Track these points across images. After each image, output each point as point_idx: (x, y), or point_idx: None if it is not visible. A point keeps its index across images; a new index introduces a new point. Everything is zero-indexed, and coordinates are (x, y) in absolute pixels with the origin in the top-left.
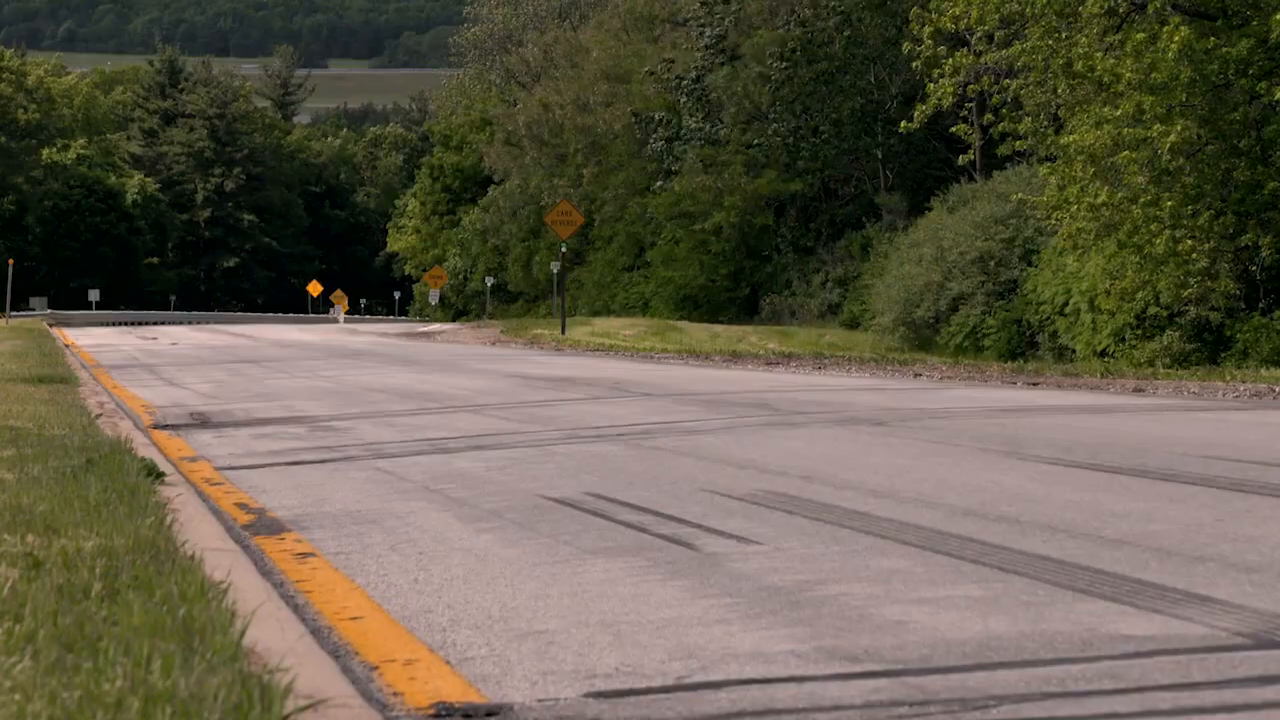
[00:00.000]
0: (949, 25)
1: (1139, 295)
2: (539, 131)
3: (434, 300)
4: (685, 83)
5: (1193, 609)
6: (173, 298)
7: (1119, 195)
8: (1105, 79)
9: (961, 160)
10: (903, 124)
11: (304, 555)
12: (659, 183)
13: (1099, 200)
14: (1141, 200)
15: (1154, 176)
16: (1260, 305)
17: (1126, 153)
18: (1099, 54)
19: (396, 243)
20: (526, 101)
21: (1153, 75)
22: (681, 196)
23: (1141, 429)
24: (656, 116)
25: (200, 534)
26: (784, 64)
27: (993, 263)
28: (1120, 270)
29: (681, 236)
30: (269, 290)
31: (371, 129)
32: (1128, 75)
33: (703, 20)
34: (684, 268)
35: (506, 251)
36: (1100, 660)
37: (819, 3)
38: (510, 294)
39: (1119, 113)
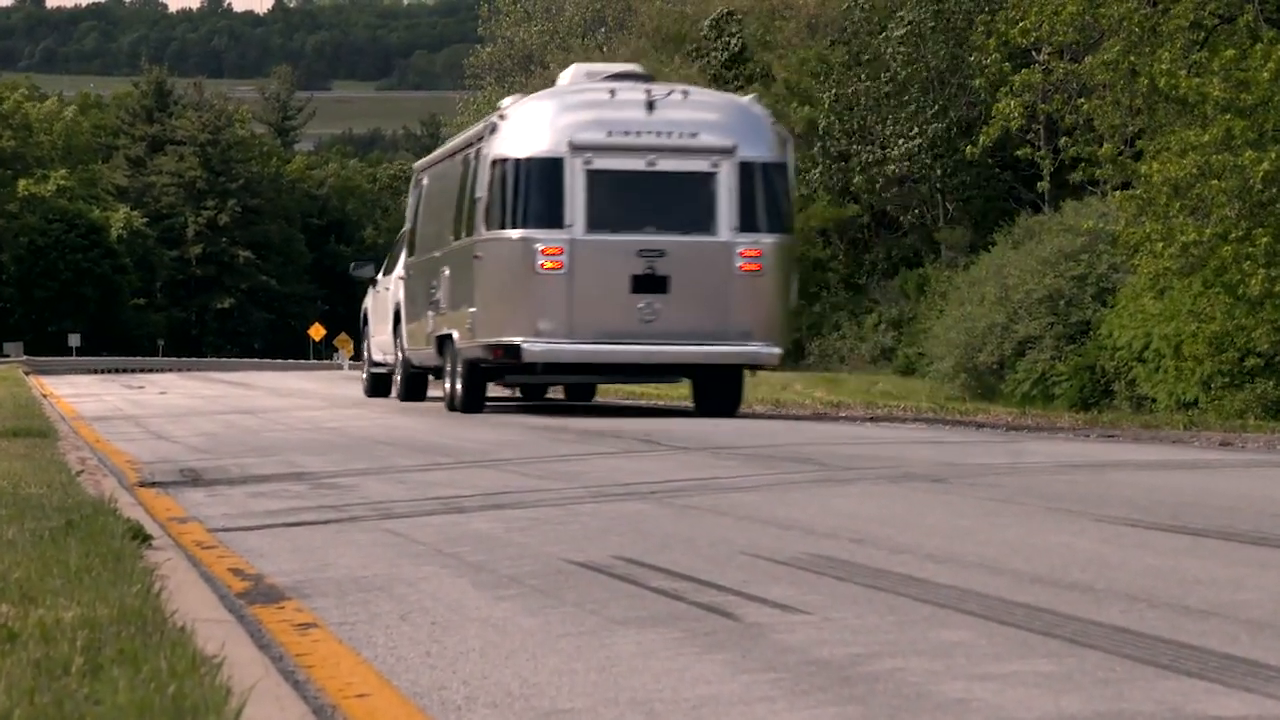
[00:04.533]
0: (1019, 39)
1: (1233, 340)
2: None
3: None
4: None
5: None
6: (161, 343)
7: (1209, 232)
8: (1191, 99)
9: (1040, 187)
10: (967, 148)
11: (305, 626)
12: None
13: (1188, 238)
14: (1233, 235)
15: (1245, 209)
16: None
17: (1215, 182)
18: (1182, 72)
19: None
20: None
21: (1242, 97)
22: None
23: (1229, 487)
24: None
25: (191, 603)
26: (833, 83)
27: (1063, 303)
28: (1209, 313)
29: None
30: (267, 334)
31: (390, 163)
32: (1215, 95)
33: (712, 44)
34: None
35: None
36: None
37: (881, 20)
38: None
39: (1206, 138)
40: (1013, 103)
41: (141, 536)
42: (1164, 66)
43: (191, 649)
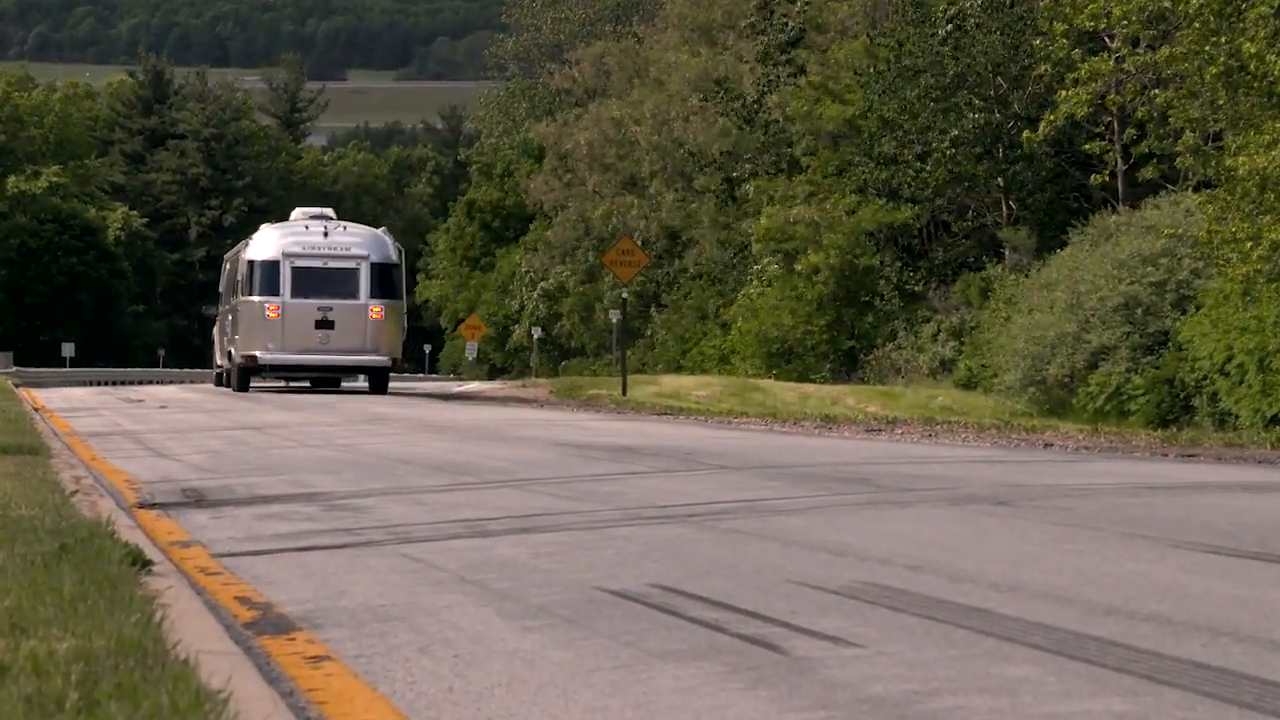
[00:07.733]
0: (1086, 23)
1: None
2: (602, 153)
3: (470, 355)
4: (740, 106)
5: None
6: (161, 352)
7: None
8: None
9: (1094, 180)
10: (1025, 135)
11: (317, 659)
12: (726, 215)
13: (1278, 236)
14: None
15: None
16: None
17: None
18: (1272, 55)
19: (428, 290)
20: (582, 120)
21: None
22: (773, 230)
23: None
24: (705, 150)
25: (195, 633)
26: (878, 86)
27: (1139, 310)
28: None
29: (774, 277)
30: None
31: (395, 148)
32: None
33: (759, 27)
34: (772, 316)
35: (559, 298)
36: None
37: (930, 12)
38: (562, 348)
39: None
40: (1080, 91)
41: (141, 562)
42: (1251, 49)
43: (195, 683)
